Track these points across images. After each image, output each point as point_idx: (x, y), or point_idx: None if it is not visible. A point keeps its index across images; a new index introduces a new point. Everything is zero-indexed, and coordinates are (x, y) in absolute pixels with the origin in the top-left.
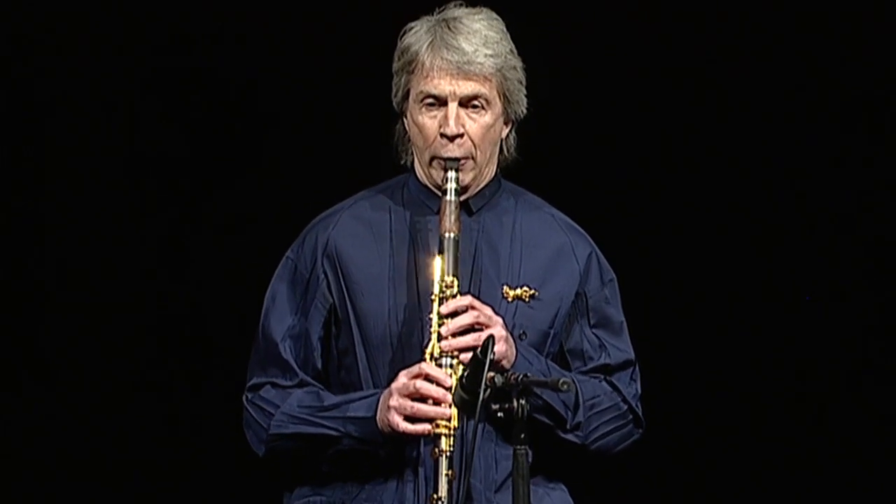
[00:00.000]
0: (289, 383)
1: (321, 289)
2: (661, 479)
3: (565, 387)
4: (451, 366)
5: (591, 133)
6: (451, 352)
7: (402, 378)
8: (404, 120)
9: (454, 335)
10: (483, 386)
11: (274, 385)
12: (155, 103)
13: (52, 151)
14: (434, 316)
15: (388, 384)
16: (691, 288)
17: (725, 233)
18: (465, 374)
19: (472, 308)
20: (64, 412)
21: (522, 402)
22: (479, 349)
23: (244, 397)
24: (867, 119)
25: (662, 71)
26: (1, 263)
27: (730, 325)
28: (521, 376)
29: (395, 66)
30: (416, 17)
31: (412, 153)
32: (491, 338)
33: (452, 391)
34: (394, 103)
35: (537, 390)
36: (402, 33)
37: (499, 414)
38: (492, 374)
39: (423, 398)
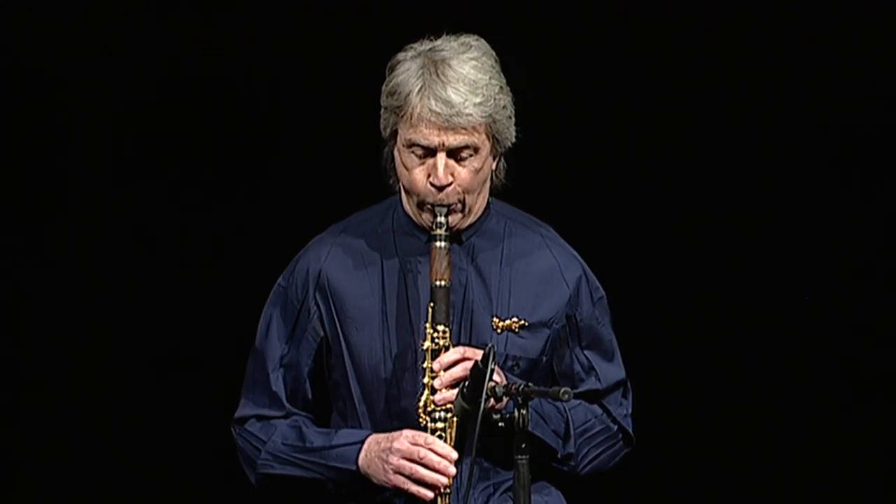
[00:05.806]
0: (275, 414)
1: (312, 321)
2: (655, 477)
3: (566, 396)
4: (445, 419)
5: (575, 142)
6: (444, 405)
7: (406, 441)
8: (393, 150)
9: (447, 388)
10: (484, 395)
11: (259, 417)
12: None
13: (51, 153)
14: (427, 367)
15: (381, 418)
16: (688, 292)
17: (720, 239)
18: (466, 384)
19: (466, 359)
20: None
21: (524, 411)
22: (479, 360)
23: (232, 428)
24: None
25: (652, 81)
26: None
27: (727, 330)
28: (521, 385)
29: (384, 101)
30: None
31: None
32: (492, 347)
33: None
34: (382, 133)
35: (529, 427)
36: (390, 66)
37: (500, 424)
38: (492, 383)
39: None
